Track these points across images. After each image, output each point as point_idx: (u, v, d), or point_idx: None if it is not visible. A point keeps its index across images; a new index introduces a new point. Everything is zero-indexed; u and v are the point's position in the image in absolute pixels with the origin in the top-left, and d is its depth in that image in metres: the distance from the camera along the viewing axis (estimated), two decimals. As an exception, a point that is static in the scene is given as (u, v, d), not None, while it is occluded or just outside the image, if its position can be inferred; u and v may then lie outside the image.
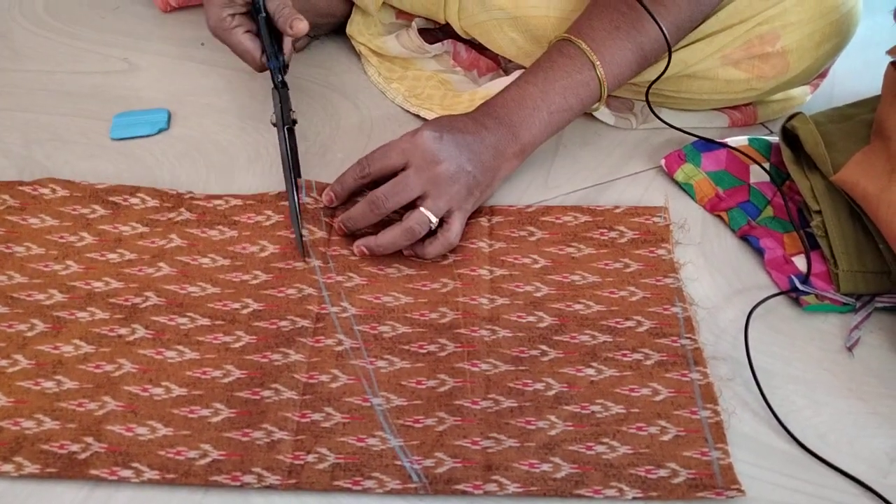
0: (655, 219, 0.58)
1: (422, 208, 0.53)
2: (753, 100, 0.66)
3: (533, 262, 0.56)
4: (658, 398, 0.47)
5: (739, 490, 0.43)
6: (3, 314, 0.50)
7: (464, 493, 0.43)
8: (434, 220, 0.54)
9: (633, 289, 0.54)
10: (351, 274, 0.54)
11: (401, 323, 0.51)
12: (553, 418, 0.46)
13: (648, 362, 0.49)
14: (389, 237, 0.54)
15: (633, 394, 0.48)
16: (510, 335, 0.51)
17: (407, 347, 0.50)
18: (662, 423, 0.46)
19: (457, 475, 0.43)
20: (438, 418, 0.46)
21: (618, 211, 0.59)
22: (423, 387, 0.48)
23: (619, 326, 0.51)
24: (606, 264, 0.56)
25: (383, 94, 0.72)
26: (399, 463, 0.44)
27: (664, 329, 0.51)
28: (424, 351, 0.50)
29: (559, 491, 0.43)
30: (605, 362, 0.49)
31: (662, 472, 0.44)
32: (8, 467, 0.42)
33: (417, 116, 0.69)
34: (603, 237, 0.57)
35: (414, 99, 0.70)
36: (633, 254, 0.56)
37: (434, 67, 0.73)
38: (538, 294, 0.53)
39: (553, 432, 0.46)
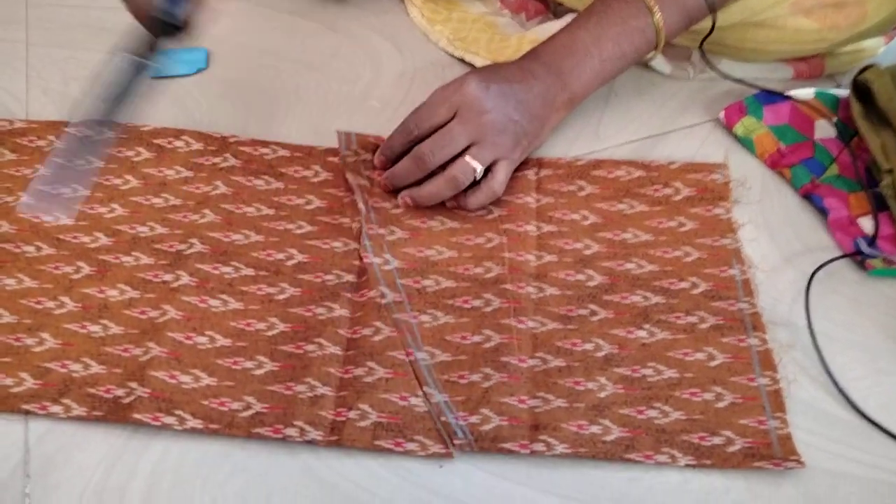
0: (714, 176, 0.55)
1: (467, 157, 0.51)
2: (823, 52, 0.62)
3: (582, 219, 0.54)
4: (713, 363, 0.46)
5: (799, 462, 0.41)
6: (51, 255, 0.50)
7: (510, 451, 0.42)
8: (479, 168, 0.52)
9: (688, 248, 0.52)
10: (393, 227, 0.52)
11: (444, 277, 0.50)
12: (603, 380, 0.45)
13: (703, 326, 0.47)
14: (433, 187, 0.52)
15: (687, 358, 0.46)
16: (558, 293, 0.49)
17: (451, 302, 0.49)
18: (718, 389, 0.45)
19: (503, 433, 0.43)
20: (484, 374, 0.45)
21: (674, 167, 0.56)
22: (468, 342, 0.47)
23: (672, 288, 0.49)
24: (660, 222, 0.53)
25: (426, 36, 0.69)
26: (444, 419, 0.43)
27: (721, 292, 0.49)
28: (469, 306, 0.49)
29: (609, 454, 0.42)
30: (658, 324, 0.48)
31: (717, 440, 0.42)
32: (57, 409, 0.43)
33: (462, 61, 0.67)
34: (657, 194, 0.55)
35: (459, 42, 0.67)
36: (688, 212, 0.54)
37: (480, 10, 0.70)
38: (588, 252, 0.52)
39: (602, 394, 0.44)
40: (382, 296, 0.48)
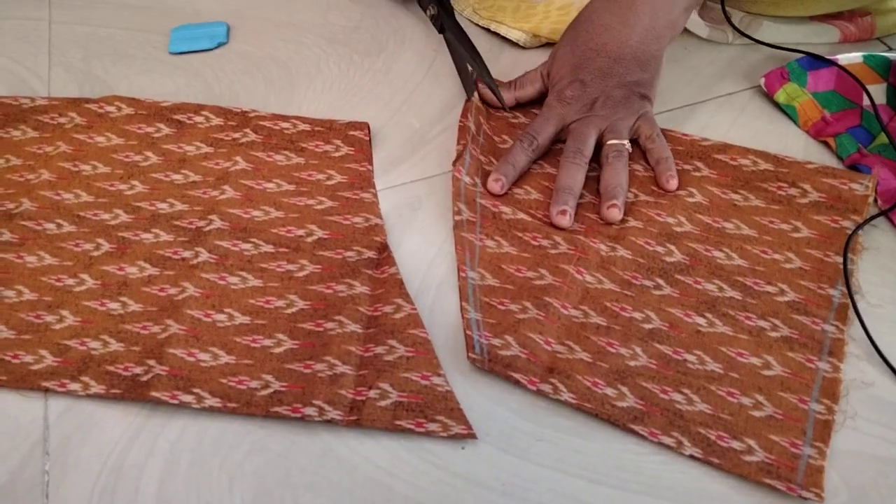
0: (854, 185, 0.49)
1: (609, 141, 0.51)
2: (870, 2, 0.58)
3: (687, 195, 0.50)
4: (767, 372, 0.42)
5: (819, 496, 0.37)
6: (71, 233, 0.49)
7: (517, 382, 0.42)
8: (626, 143, 0.51)
9: (791, 255, 0.47)
10: (493, 159, 0.53)
11: (523, 212, 0.50)
12: (638, 350, 0.43)
13: (773, 334, 0.43)
14: (611, 179, 0.51)
15: (740, 359, 0.43)
16: (629, 257, 0.47)
17: (520, 235, 0.49)
18: (760, 398, 0.41)
19: (518, 364, 0.42)
20: (523, 307, 0.45)
21: (810, 167, 0.51)
22: (521, 276, 0.47)
23: (755, 288, 0.46)
24: (771, 221, 0.49)
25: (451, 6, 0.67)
26: (468, 332, 0.43)
27: (809, 307, 0.44)
28: (536, 244, 0.48)
29: (613, 418, 0.40)
30: (722, 317, 0.44)
31: (736, 444, 0.39)
32: (75, 386, 0.42)
33: (487, 30, 0.65)
34: (780, 192, 0.50)
35: (483, 11, 0.65)
36: (809, 219, 0.48)
37: (507, -24, 0.68)
38: (678, 228, 0.49)
39: (632, 363, 0.42)
40: (459, 212, 0.48)
